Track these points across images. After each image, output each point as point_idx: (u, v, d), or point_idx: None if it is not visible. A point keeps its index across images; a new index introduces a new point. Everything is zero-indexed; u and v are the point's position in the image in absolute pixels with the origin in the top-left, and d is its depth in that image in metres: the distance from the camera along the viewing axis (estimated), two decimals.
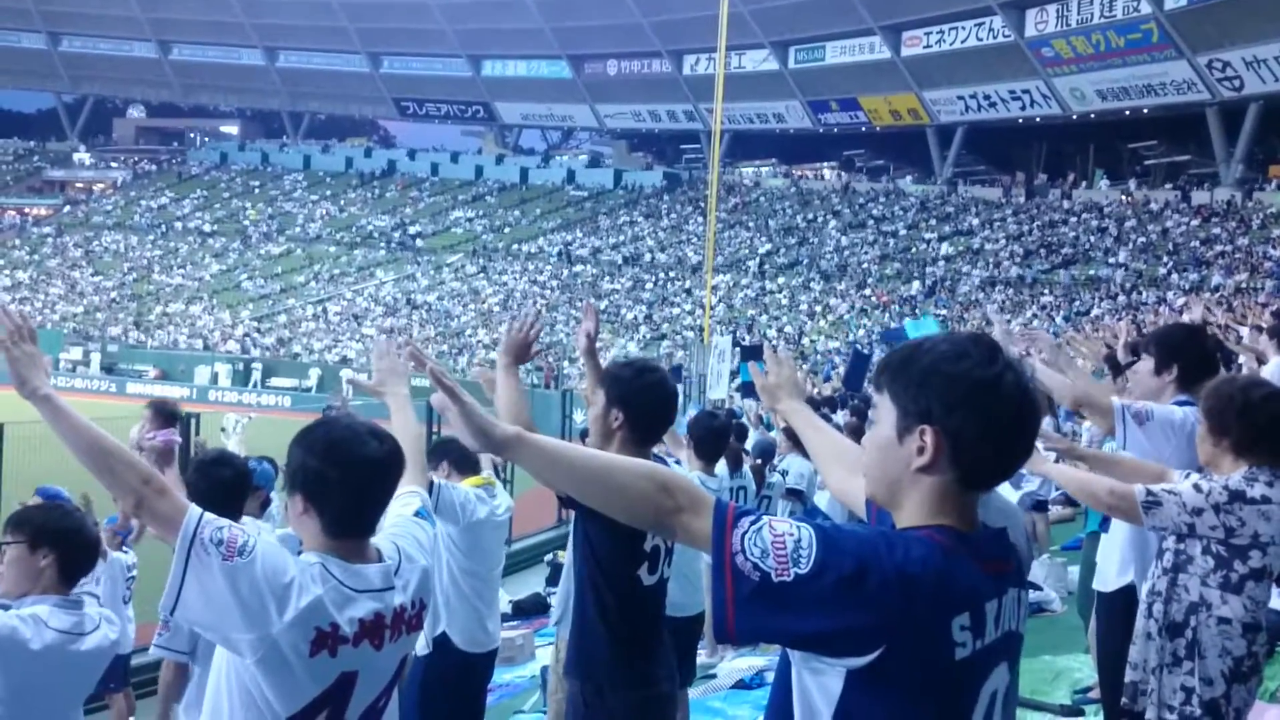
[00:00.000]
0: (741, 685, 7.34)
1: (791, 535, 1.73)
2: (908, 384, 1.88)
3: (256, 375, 42.79)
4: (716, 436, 6.59)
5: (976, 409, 1.83)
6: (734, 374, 26.58)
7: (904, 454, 1.87)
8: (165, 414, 7.23)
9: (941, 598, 1.77)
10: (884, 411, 1.91)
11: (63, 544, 3.45)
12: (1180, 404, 4.29)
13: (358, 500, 2.59)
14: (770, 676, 7.41)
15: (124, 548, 7.52)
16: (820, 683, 1.79)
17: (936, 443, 1.84)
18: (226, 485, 4.31)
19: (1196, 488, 3.56)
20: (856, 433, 10.32)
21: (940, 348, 1.88)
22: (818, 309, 43.34)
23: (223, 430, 8.81)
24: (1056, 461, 4.08)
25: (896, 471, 1.89)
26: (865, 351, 28.43)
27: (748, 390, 21.85)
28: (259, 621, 2.38)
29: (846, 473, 2.50)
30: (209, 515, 2.43)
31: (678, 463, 6.21)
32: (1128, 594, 4.35)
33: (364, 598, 2.53)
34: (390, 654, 2.63)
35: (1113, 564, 4.50)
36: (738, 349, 28.11)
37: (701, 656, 8.13)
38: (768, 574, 1.71)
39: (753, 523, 1.76)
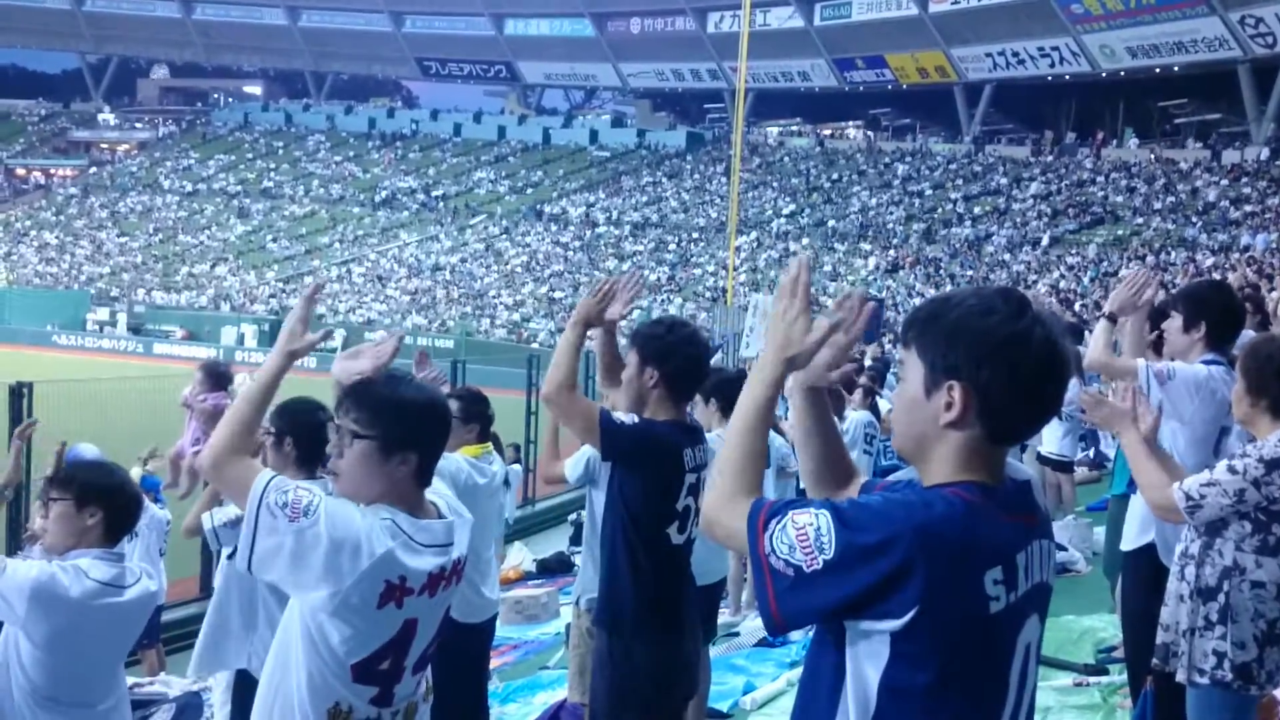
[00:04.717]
0: (764, 643, 7.37)
1: (812, 524, 1.77)
2: (935, 339, 1.86)
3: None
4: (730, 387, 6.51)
5: (1005, 364, 1.82)
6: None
7: (931, 409, 1.87)
8: (216, 376, 7.26)
9: (969, 553, 1.77)
10: (911, 367, 1.90)
11: (109, 502, 3.53)
12: (1207, 363, 4.26)
13: (438, 452, 2.76)
14: (792, 634, 7.44)
15: (157, 500, 7.62)
16: (868, 651, 1.80)
17: (964, 398, 1.83)
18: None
19: (1232, 470, 3.51)
20: (868, 394, 10.36)
21: (968, 302, 1.87)
22: (842, 269, 43.13)
23: (233, 392, 8.84)
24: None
25: (924, 427, 1.89)
26: (881, 299, 28.21)
27: None
28: (331, 577, 2.51)
29: (832, 483, 2.28)
30: (277, 479, 2.57)
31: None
32: (1150, 551, 4.33)
33: (429, 553, 2.63)
34: (441, 602, 2.75)
35: (1135, 521, 4.49)
36: None
37: (724, 615, 8.18)
38: (799, 567, 1.76)
39: (779, 521, 1.79)
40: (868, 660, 1.80)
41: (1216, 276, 22.00)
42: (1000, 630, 1.83)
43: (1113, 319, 4.58)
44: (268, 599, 4.07)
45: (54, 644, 3.33)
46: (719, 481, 1.97)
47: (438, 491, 2.83)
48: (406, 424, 2.64)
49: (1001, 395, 1.82)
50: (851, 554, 1.74)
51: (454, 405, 5.02)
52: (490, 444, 5.33)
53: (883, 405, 10.70)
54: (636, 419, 3.78)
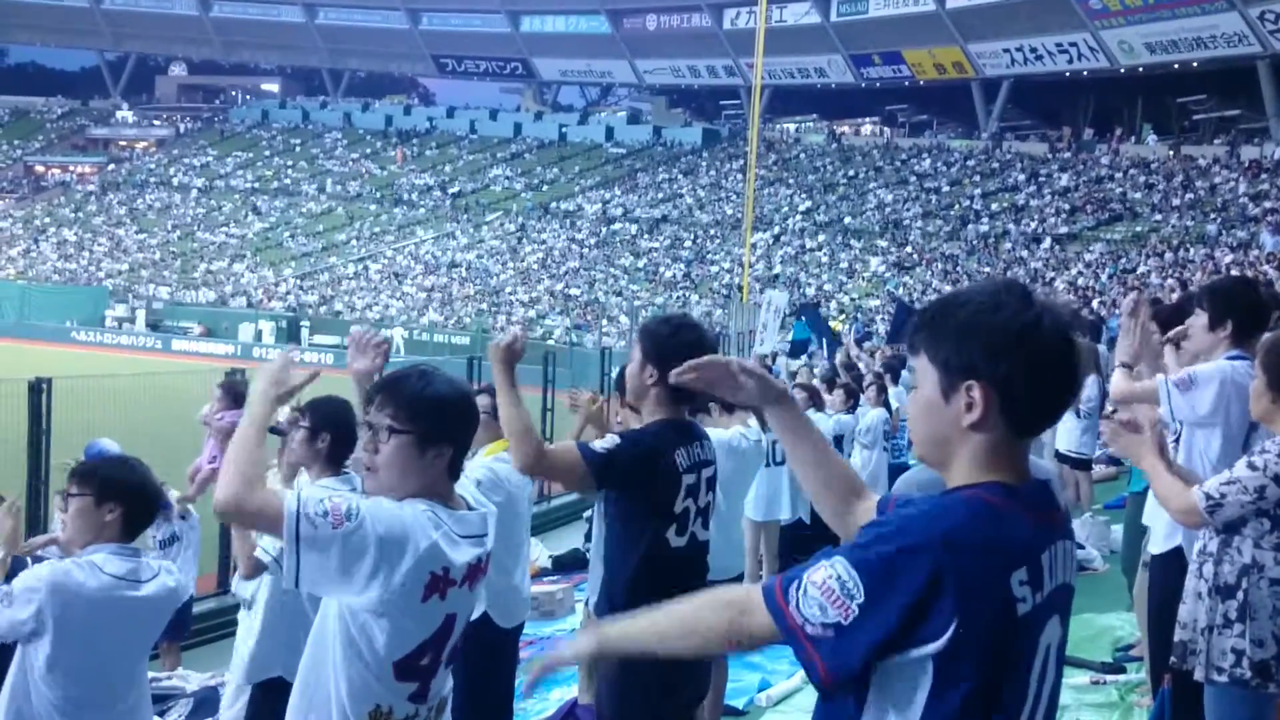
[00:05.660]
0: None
1: (831, 576, 1.73)
2: (947, 340, 1.85)
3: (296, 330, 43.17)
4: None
5: (1020, 356, 1.80)
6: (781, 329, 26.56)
7: (952, 412, 1.85)
8: (235, 395, 7.27)
9: (995, 555, 1.75)
10: (924, 373, 1.89)
11: (129, 498, 3.53)
12: (1231, 358, 4.21)
13: (469, 445, 2.82)
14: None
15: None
16: (906, 685, 1.76)
17: (985, 396, 1.81)
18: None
19: (1251, 466, 3.49)
20: (881, 390, 10.35)
21: (975, 299, 1.86)
22: (858, 266, 43.04)
23: None
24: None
25: (946, 431, 1.86)
26: (908, 302, 28.13)
27: (797, 349, 21.72)
28: (382, 574, 2.50)
29: (840, 503, 2.33)
30: (307, 492, 2.55)
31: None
32: (1179, 555, 4.29)
33: (466, 543, 2.64)
34: (475, 594, 2.77)
35: (1162, 524, 4.44)
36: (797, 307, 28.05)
37: None
38: (837, 623, 1.72)
39: (797, 588, 1.75)
40: (906, 693, 1.76)
41: (1236, 273, 21.89)
42: (1025, 632, 1.80)
43: (1128, 367, 4.51)
44: (305, 606, 4.06)
45: (71, 640, 3.33)
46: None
47: (461, 485, 2.84)
48: (442, 418, 2.65)
49: (1022, 388, 1.81)
50: (880, 583, 1.70)
51: (485, 401, 5.00)
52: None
53: (893, 401, 10.69)
54: (617, 439, 3.66)
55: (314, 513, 2.47)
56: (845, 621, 1.70)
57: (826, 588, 1.72)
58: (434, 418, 2.64)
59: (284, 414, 7.05)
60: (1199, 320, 4.37)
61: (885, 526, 1.77)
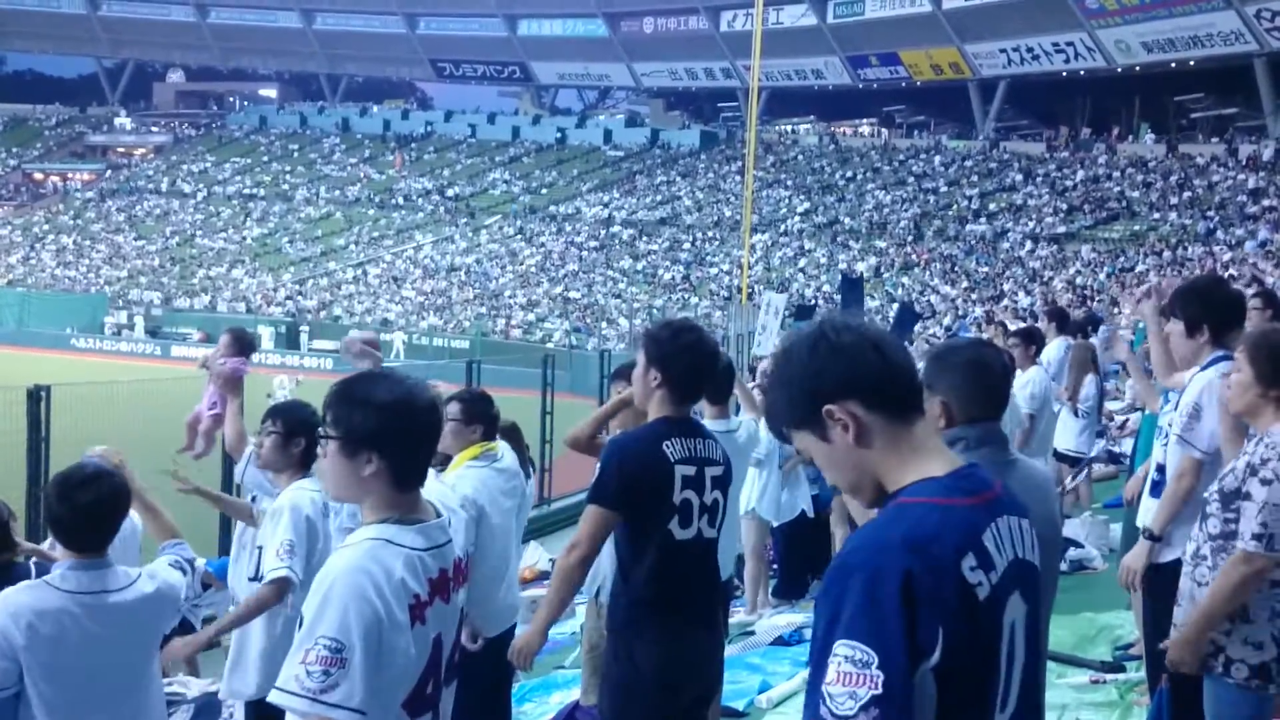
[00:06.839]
0: (780, 642, 7.36)
1: (840, 662, 1.71)
2: (785, 403, 1.97)
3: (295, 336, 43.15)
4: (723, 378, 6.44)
5: (838, 361, 1.91)
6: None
7: (842, 446, 1.92)
8: (242, 342, 7.29)
9: (942, 549, 1.78)
10: (805, 440, 1.98)
11: (58, 526, 3.51)
12: (1218, 360, 4.19)
13: (410, 453, 2.58)
14: (809, 633, 7.44)
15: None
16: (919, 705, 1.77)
17: (844, 409, 1.90)
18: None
19: (1265, 482, 3.43)
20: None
21: (780, 366, 2.00)
22: (857, 267, 43.03)
23: (269, 396, 8.92)
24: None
25: (852, 462, 1.94)
26: (908, 302, 28.23)
27: None
28: (388, 646, 2.40)
29: None
30: (290, 677, 2.34)
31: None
32: (1177, 567, 4.25)
33: (429, 556, 2.53)
34: (455, 607, 2.67)
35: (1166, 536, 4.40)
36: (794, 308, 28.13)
37: (740, 614, 8.17)
38: (874, 697, 1.68)
39: (823, 703, 1.71)
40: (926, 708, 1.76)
41: (1234, 272, 21.93)
42: (988, 615, 1.82)
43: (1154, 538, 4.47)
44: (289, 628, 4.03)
45: (48, 665, 3.31)
46: None
47: (428, 491, 2.76)
48: (368, 424, 2.50)
49: (857, 381, 1.90)
50: (877, 628, 1.70)
51: (456, 407, 4.92)
52: (490, 442, 5.05)
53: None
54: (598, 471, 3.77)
55: (319, 686, 2.31)
56: (879, 690, 1.68)
57: (844, 675, 1.69)
58: (361, 423, 2.50)
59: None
60: (1176, 327, 4.35)
61: (839, 577, 1.77)
